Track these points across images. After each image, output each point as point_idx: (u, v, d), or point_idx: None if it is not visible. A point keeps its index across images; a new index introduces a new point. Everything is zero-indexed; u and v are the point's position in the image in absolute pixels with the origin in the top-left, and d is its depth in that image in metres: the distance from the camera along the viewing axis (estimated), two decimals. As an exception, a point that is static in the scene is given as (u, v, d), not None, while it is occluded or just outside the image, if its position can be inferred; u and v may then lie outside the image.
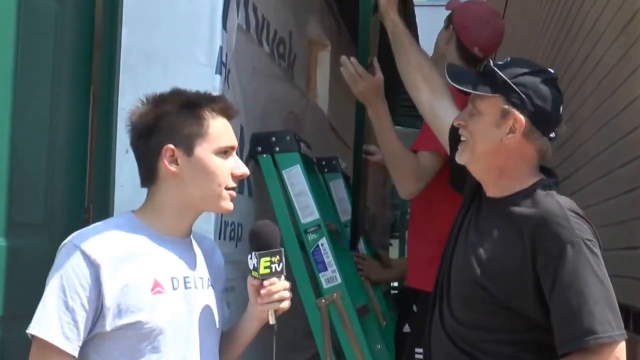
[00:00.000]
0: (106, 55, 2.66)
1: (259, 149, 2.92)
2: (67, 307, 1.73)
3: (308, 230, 2.89)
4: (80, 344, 1.75)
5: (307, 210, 2.89)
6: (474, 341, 2.03)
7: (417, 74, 2.62)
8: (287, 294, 1.92)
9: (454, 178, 2.44)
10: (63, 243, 1.81)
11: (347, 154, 5.41)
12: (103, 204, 2.59)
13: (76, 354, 1.74)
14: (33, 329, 1.73)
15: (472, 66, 3.09)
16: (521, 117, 2.00)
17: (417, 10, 5.59)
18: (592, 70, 3.15)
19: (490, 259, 2.00)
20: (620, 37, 2.68)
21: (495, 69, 2.05)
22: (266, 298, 1.89)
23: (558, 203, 1.99)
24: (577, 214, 1.98)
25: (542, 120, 2.02)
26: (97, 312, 1.75)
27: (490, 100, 2.03)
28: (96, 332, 1.77)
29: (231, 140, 1.91)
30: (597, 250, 1.95)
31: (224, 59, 2.57)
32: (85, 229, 1.86)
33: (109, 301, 1.74)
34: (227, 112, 1.92)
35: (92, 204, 2.68)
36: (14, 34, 2.29)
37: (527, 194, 2.02)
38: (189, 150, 1.85)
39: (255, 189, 2.94)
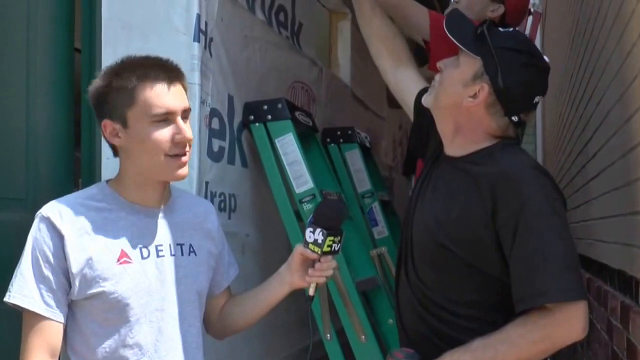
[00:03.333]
0: (86, 27, 2.63)
1: (252, 117, 2.85)
2: (43, 277, 1.76)
3: (303, 200, 2.81)
4: (64, 308, 1.79)
5: (301, 180, 2.81)
6: (442, 303, 1.97)
7: (380, 43, 2.54)
8: (332, 272, 2.00)
9: (407, 163, 2.47)
10: (37, 213, 1.82)
11: (376, 123, 5.31)
12: (90, 177, 2.57)
13: (62, 319, 1.78)
14: (14, 298, 1.76)
15: None
16: (487, 88, 1.96)
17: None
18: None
19: (449, 218, 1.95)
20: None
21: (487, 33, 1.99)
22: (318, 272, 1.96)
23: (518, 160, 1.94)
24: (539, 170, 1.92)
25: (508, 100, 1.96)
26: (68, 280, 1.78)
27: (471, 59, 1.99)
28: (70, 299, 1.80)
29: (167, 105, 1.78)
30: (560, 208, 1.87)
31: (202, 26, 2.51)
32: (58, 199, 1.86)
33: (75, 270, 1.76)
34: (166, 76, 1.80)
35: (80, 178, 2.66)
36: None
37: (486, 153, 1.98)
38: (123, 122, 1.79)
39: (250, 158, 2.87)
